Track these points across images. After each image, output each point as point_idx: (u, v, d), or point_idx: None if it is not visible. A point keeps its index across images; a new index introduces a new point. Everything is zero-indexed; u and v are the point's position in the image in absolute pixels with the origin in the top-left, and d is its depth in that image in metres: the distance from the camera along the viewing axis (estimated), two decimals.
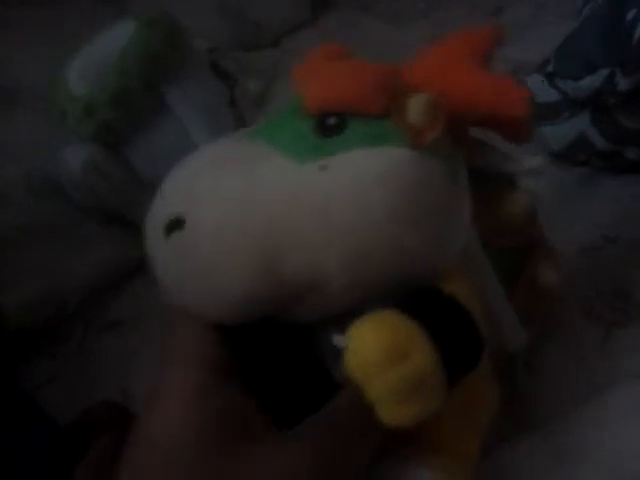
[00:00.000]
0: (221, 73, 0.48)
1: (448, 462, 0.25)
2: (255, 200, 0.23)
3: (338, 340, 0.23)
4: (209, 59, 0.48)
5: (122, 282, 0.43)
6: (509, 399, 0.29)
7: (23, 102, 0.51)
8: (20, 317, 0.34)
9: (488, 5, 0.89)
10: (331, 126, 0.25)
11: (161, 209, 0.25)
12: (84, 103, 0.41)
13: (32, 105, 0.49)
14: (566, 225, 0.43)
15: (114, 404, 0.28)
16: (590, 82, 0.45)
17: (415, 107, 0.24)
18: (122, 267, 0.43)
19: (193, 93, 0.43)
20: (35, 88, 0.50)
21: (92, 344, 0.39)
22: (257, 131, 0.27)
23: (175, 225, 0.23)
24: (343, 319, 0.24)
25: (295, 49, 0.80)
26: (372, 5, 0.95)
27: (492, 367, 0.28)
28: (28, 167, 0.44)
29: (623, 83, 0.43)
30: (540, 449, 0.28)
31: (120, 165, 0.42)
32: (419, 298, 0.24)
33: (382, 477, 0.25)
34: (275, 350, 0.25)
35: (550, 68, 0.50)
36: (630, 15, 0.42)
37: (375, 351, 0.21)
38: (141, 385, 0.34)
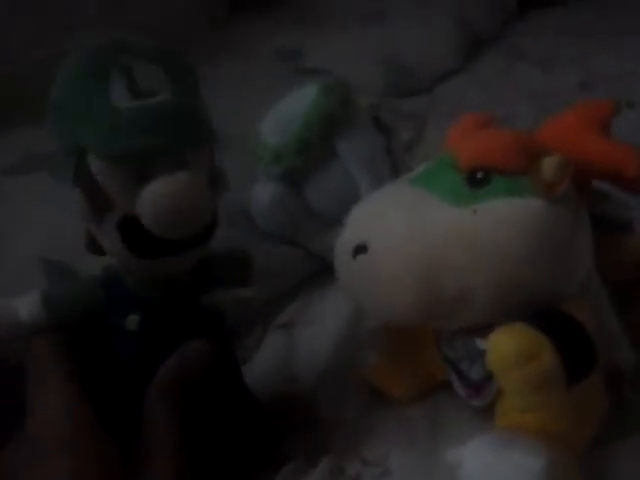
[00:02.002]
0: (380, 125, 0.57)
1: (559, 452, 0.30)
2: (420, 234, 0.31)
3: (481, 343, 0.30)
4: (371, 114, 0.57)
5: (294, 292, 0.52)
6: (615, 410, 0.33)
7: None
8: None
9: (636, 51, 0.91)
10: (479, 179, 0.32)
11: (350, 236, 0.33)
12: (274, 151, 0.51)
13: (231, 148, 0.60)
14: None
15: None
16: None
17: (549, 166, 0.31)
18: (293, 280, 0.53)
19: (358, 144, 0.52)
20: (231, 134, 0.62)
21: (268, 339, 0.47)
22: (417, 179, 0.35)
23: (360, 249, 0.32)
24: (483, 329, 0.31)
25: (447, 96, 0.87)
26: (523, 52, 1.00)
27: (603, 380, 0.33)
28: (227, 199, 0.54)
29: None
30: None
31: (299, 201, 0.52)
32: (546, 315, 0.30)
33: (494, 463, 0.30)
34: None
35: None
36: None
37: (511, 352, 0.28)
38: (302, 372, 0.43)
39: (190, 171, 0.28)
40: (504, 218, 0.30)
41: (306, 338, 0.47)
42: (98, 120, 0.27)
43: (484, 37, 1.07)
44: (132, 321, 0.31)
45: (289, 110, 0.53)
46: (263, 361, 0.45)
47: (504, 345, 0.29)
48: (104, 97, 0.27)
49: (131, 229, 0.28)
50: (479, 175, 0.32)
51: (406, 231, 0.31)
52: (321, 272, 0.52)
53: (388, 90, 0.87)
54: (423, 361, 0.39)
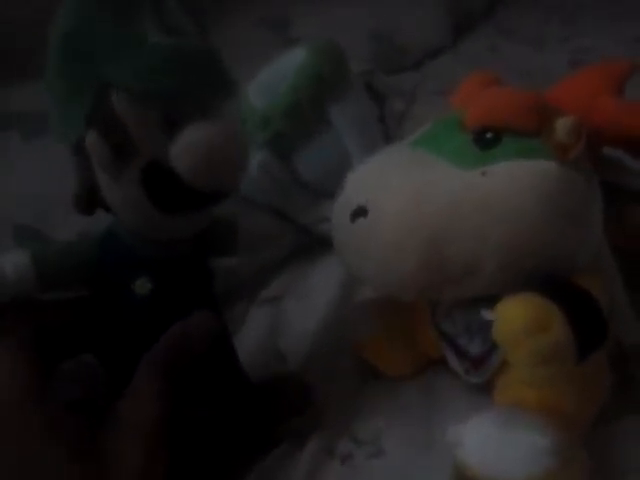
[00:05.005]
0: (373, 93, 0.55)
1: (564, 430, 0.28)
2: (427, 196, 0.29)
3: (487, 314, 0.28)
4: (364, 80, 0.55)
5: (280, 264, 0.50)
6: (619, 387, 0.32)
7: None
8: None
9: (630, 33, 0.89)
10: (488, 140, 0.30)
11: (347, 200, 0.31)
12: (261, 115, 0.49)
13: None
14: None
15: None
16: None
17: (563, 127, 0.29)
18: (279, 252, 0.50)
19: (350, 110, 0.50)
20: None
21: (254, 313, 0.45)
22: (419, 141, 0.33)
23: (360, 213, 0.30)
24: (488, 300, 0.29)
25: (435, 73, 0.85)
26: (514, 30, 0.98)
27: (608, 356, 0.32)
28: None
29: None
30: None
31: (287, 169, 0.50)
32: (557, 285, 0.28)
33: (497, 441, 0.28)
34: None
35: None
36: None
37: (521, 322, 0.26)
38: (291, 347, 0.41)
39: (225, 118, 0.26)
40: (515, 180, 0.28)
41: (294, 312, 0.44)
42: (130, 55, 0.25)
43: (474, 14, 1.05)
44: (142, 284, 0.28)
45: (278, 72, 0.50)
46: (249, 336, 0.42)
47: (514, 314, 0.27)
48: (136, 31, 0.25)
49: (156, 179, 0.25)
50: (488, 135, 0.30)
51: (409, 193, 0.29)
52: (309, 244, 0.50)
53: (376, 66, 0.84)
54: (417, 337, 0.37)
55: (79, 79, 0.25)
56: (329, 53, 0.50)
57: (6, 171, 0.49)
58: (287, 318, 0.44)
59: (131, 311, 0.29)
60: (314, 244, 0.49)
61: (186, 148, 0.25)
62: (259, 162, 0.49)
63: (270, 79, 0.50)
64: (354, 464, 0.33)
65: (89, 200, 0.28)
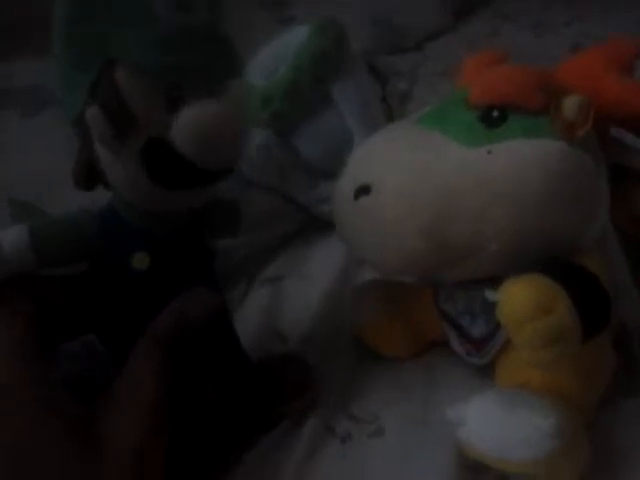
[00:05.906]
0: (375, 73, 0.54)
1: (567, 411, 0.28)
2: (429, 175, 0.28)
3: (491, 295, 0.28)
4: (366, 60, 0.54)
5: (280, 245, 0.49)
6: (623, 369, 0.33)
7: None
8: None
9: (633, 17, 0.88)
10: (495, 118, 0.29)
11: (350, 178, 0.31)
12: (261, 95, 0.48)
13: None
14: None
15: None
16: None
17: (570, 105, 0.29)
18: (279, 233, 0.50)
19: (352, 89, 0.49)
20: None
21: (254, 293, 0.45)
22: (424, 119, 0.33)
23: (362, 191, 0.29)
24: (491, 281, 0.29)
25: (437, 54, 0.84)
26: (513, 14, 0.98)
27: (612, 337, 0.32)
28: None
29: None
30: None
31: (287, 149, 0.49)
32: (562, 267, 0.28)
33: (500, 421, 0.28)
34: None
35: None
36: None
37: (526, 303, 0.26)
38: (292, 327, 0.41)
39: (230, 97, 0.26)
40: (521, 159, 0.28)
41: (295, 292, 0.44)
42: (138, 29, 0.24)
43: None
44: (140, 259, 0.28)
45: (278, 52, 0.50)
46: (250, 316, 0.42)
47: (519, 295, 0.26)
48: (145, 4, 0.24)
49: (157, 155, 0.25)
50: (494, 113, 0.29)
51: (413, 172, 0.29)
52: (309, 225, 0.50)
53: (375, 47, 0.84)
54: (419, 318, 0.37)
55: (85, 49, 0.24)
56: (330, 31, 0.49)
57: (5, 148, 0.49)
58: (288, 298, 0.44)
59: (130, 286, 0.28)
60: (315, 224, 0.49)
61: (189, 125, 0.25)
62: (259, 142, 0.48)
63: (270, 59, 0.50)
64: (354, 442, 0.33)
65: (88, 175, 0.27)
